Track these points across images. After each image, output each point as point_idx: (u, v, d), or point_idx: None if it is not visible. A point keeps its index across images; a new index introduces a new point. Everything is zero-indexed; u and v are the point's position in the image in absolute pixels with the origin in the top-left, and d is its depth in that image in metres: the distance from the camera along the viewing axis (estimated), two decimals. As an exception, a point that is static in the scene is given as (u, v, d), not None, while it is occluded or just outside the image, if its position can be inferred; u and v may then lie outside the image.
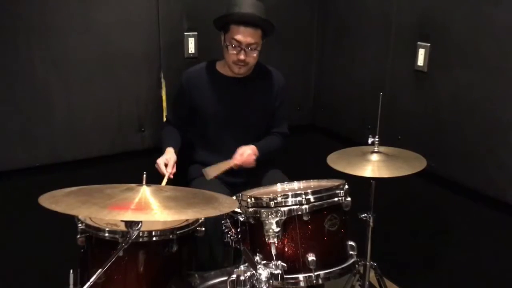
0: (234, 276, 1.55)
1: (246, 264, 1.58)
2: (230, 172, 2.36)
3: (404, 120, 2.53)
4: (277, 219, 1.73)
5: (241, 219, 1.86)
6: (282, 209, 1.73)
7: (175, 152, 2.31)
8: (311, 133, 3.19)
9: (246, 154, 2.28)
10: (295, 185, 2.05)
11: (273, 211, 1.73)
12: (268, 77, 2.45)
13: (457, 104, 2.26)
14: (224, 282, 1.69)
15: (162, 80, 2.57)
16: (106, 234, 1.66)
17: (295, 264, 1.75)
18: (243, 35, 2.20)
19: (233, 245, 1.91)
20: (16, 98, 2.24)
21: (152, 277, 1.68)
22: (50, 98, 2.31)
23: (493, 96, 2.10)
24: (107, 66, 2.41)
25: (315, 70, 3.09)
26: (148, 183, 1.51)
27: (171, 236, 1.67)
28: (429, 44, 2.34)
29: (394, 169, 1.97)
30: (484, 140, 2.16)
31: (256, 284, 1.55)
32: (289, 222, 1.75)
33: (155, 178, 1.99)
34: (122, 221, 1.40)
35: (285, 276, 1.66)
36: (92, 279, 1.36)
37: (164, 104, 2.60)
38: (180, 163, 2.28)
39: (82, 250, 1.74)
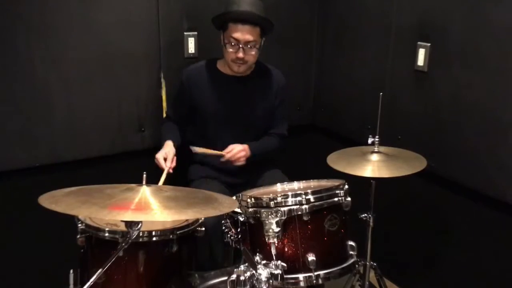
0: (234, 276, 1.55)
1: (246, 264, 1.59)
2: (230, 172, 2.37)
3: (404, 120, 2.53)
4: (277, 219, 1.73)
5: (241, 219, 1.86)
6: (282, 209, 1.73)
7: (174, 145, 2.31)
8: (311, 133, 3.19)
9: (236, 150, 2.28)
10: (295, 185, 2.06)
11: (273, 211, 1.73)
12: (268, 76, 2.45)
13: (457, 104, 2.26)
14: (224, 282, 1.69)
15: (162, 80, 2.57)
16: (106, 234, 1.66)
17: (295, 264, 1.75)
18: (241, 33, 2.20)
19: (233, 245, 1.91)
20: (16, 98, 2.24)
21: (152, 277, 1.68)
22: (50, 98, 2.31)
23: (493, 96, 2.10)
24: (107, 66, 2.41)
25: (315, 70, 3.09)
26: (148, 183, 1.51)
27: (171, 236, 1.67)
28: (429, 44, 2.34)
29: (394, 169, 1.97)
30: (484, 140, 2.16)
31: (256, 284, 1.55)
32: (289, 222, 1.75)
33: (155, 178, 1.98)
34: (122, 221, 1.40)
35: (285, 276, 1.66)
36: (92, 279, 1.36)
37: (164, 104, 2.60)
38: (180, 163, 2.28)
39: (82, 250, 1.73)
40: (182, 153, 2.35)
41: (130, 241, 1.42)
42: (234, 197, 1.88)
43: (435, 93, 2.35)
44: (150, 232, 1.65)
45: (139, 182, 1.51)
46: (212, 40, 2.42)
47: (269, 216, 1.74)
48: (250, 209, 1.78)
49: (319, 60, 3.06)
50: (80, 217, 1.69)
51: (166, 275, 1.70)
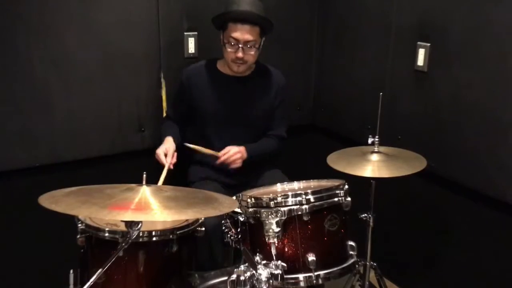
0: (234, 276, 1.55)
1: (246, 264, 1.58)
2: (230, 173, 2.36)
3: (404, 120, 2.53)
4: (277, 219, 1.73)
5: (241, 219, 1.86)
6: (282, 209, 1.73)
7: (175, 141, 2.32)
8: (311, 133, 3.19)
9: (231, 152, 2.27)
10: (295, 185, 2.05)
11: (273, 211, 1.73)
12: (268, 76, 2.45)
13: (457, 104, 2.26)
14: (224, 282, 1.69)
15: (162, 80, 2.57)
16: (106, 234, 1.66)
17: (295, 264, 1.75)
18: (241, 32, 2.21)
19: (233, 245, 1.91)
20: (16, 98, 2.24)
21: (152, 277, 1.68)
22: (50, 98, 2.31)
23: (493, 96, 2.10)
24: (107, 66, 2.41)
25: (315, 70, 3.09)
26: (148, 183, 1.51)
27: (171, 236, 1.67)
28: (429, 44, 2.34)
29: (394, 169, 1.97)
30: (484, 140, 2.16)
31: (256, 284, 1.55)
32: (289, 222, 1.75)
33: (155, 178, 1.98)
34: (122, 221, 1.40)
35: (285, 276, 1.66)
36: (92, 279, 1.36)
37: (164, 104, 2.60)
38: (179, 164, 2.28)
39: (82, 250, 1.73)
40: (181, 154, 2.35)
41: (130, 241, 1.41)
42: (234, 197, 1.88)
43: (435, 93, 2.35)
44: (150, 232, 1.65)
45: (139, 182, 1.50)
46: (212, 40, 2.42)
47: (269, 216, 1.74)
48: (250, 209, 1.78)
49: (319, 60, 3.06)
50: (80, 217, 1.69)
51: (166, 275, 1.70)
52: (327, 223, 1.78)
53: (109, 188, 1.48)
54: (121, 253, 1.50)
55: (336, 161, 2.05)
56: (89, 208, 1.33)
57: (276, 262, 1.65)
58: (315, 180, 2.04)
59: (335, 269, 1.78)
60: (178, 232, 1.69)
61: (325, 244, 1.79)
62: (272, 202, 1.74)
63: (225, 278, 1.70)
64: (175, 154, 2.25)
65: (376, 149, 2.08)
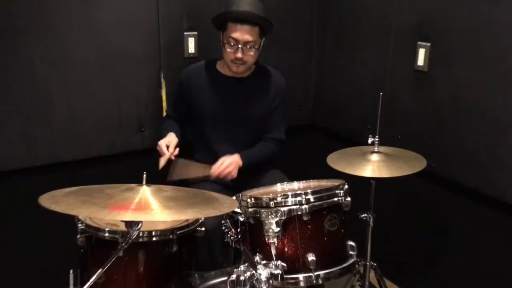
0: (234, 276, 1.55)
1: (246, 264, 1.58)
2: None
3: (404, 120, 2.53)
4: (277, 219, 1.73)
5: (241, 219, 1.86)
6: (282, 209, 1.73)
7: (177, 137, 2.33)
8: (311, 133, 3.19)
9: (223, 166, 2.25)
10: (295, 185, 2.05)
11: (273, 211, 1.73)
12: (267, 78, 2.45)
13: (457, 104, 2.26)
14: (224, 282, 1.69)
15: (162, 80, 2.57)
16: (106, 234, 1.66)
17: (295, 264, 1.74)
18: (240, 33, 2.20)
19: (233, 245, 1.90)
20: (16, 98, 2.24)
21: (152, 277, 1.68)
22: (50, 98, 2.31)
23: (493, 96, 2.10)
24: (107, 66, 2.42)
25: (315, 70, 3.09)
26: (148, 183, 1.51)
27: (171, 236, 1.67)
28: (429, 44, 2.34)
29: (394, 169, 1.97)
30: (484, 140, 2.16)
31: (256, 284, 1.55)
32: (289, 222, 1.75)
33: (155, 178, 1.98)
34: (122, 221, 1.40)
35: (285, 276, 1.66)
36: (92, 279, 1.36)
37: (164, 104, 2.60)
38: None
39: (82, 250, 1.73)
40: (182, 153, 2.35)
41: (130, 241, 1.42)
42: (234, 197, 1.88)
43: (435, 93, 2.35)
44: (150, 232, 1.65)
45: (139, 182, 1.51)
46: (212, 40, 2.42)
47: (269, 216, 1.74)
48: (250, 209, 1.78)
49: (319, 60, 3.06)
50: (80, 217, 1.70)
51: (166, 275, 1.70)
52: (327, 223, 1.78)
53: (109, 188, 1.48)
54: (121, 253, 1.50)
55: (336, 161, 2.05)
56: (89, 208, 1.33)
57: (276, 262, 1.65)
58: (315, 180, 2.04)
59: (335, 269, 1.77)
60: (178, 232, 1.69)
61: (325, 244, 1.78)
62: (272, 202, 1.74)
63: (225, 278, 1.70)
64: (177, 150, 2.26)
65: (376, 149, 2.08)
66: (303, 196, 1.74)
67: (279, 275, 1.60)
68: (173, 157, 2.21)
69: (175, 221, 1.72)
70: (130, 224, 1.39)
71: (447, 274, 2.47)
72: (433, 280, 2.54)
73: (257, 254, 1.73)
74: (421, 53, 2.37)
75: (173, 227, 1.69)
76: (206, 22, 2.33)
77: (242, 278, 1.54)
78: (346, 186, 1.86)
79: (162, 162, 2.16)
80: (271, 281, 1.57)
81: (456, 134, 2.28)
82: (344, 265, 1.81)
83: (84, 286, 1.36)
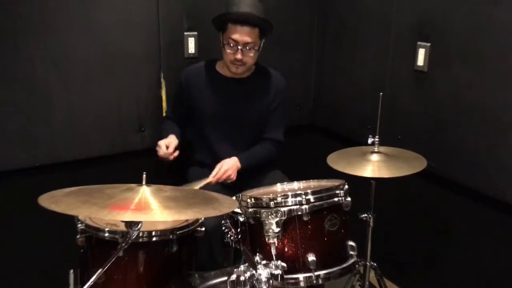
0: (234, 276, 1.55)
1: (246, 264, 1.58)
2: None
3: (404, 120, 2.53)
4: (277, 219, 1.73)
5: (241, 219, 1.85)
6: (282, 209, 1.73)
7: (178, 138, 2.33)
8: (311, 133, 3.19)
9: (222, 170, 2.25)
10: (295, 185, 2.05)
11: (273, 211, 1.73)
12: (267, 78, 2.44)
13: (457, 104, 2.26)
14: (224, 282, 1.69)
15: (162, 80, 2.57)
16: (106, 234, 1.66)
17: (295, 264, 1.74)
18: (240, 34, 2.20)
19: (233, 245, 1.90)
20: (16, 98, 2.24)
21: (152, 277, 1.68)
22: (50, 98, 2.31)
23: (493, 96, 2.10)
24: (107, 66, 2.41)
25: (315, 70, 3.09)
26: (148, 183, 1.51)
27: (171, 236, 1.67)
28: (429, 44, 2.34)
29: (394, 169, 1.97)
30: (484, 140, 2.16)
31: (256, 284, 1.55)
32: (289, 222, 1.75)
33: (155, 178, 1.98)
34: (122, 221, 1.40)
35: (285, 276, 1.66)
36: (92, 279, 1.36)
37: (164, 104, 2.60)
38: (179, 164, 2.28)
39: (82, 250, 1.73)
40: (181, 154, 2.35)
41: (130, 241, 1.41)
42: (234, 197, 1.88)
43: (435, 93, 2.35)
44: (150, 232, 1.65)
45: (139, 182, 1.50)
46: (212, 41, 2.42)
47: (269, 216, 1.74)
48: (250, 209, 1.78)
49: (319, 61, 3.06)
50: (80, 217, 1.69)
51: (166, 275, 1.70)
52: (327, 223, 1.78)
53: (109, 188, 1.48)
54: (121, 253, 1.50)
55: (336, 161, 2.05)
56: (89, 208, 1.33)
57: (276, 262, 1.65)
58: (315, 180, 2.04)
59: (335, 269, 1.77)
60: (178, 232, 1.69)
61: (325, 244, 1.78)
62: (272, 202, 1.74)
63: (225, 278, 1.70)
64: (177, 151, 2.26)
65: (376, 149, 2.08)
66: (303, 196, 1.74)
67: (279, 275, 1.60)
68: (171, 158, 2.22)
69: (175, 221, 1.72)
70: (130, 224, 1.38)
71: (447, 274, 2.47)
72: (433, 280, 2.54)
73: (257, 254, 1.73)
74: (421, 53, 2.37)
75: (173, 227, 1.69)
76: (206, 22, 2.33)
77: (242, 278, 1.54)
78: (346, 186, 1.86)
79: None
80: (271, 281, 1.57)
81: (456, 134, 2.28)
82: (344, 265, 1.81)
83: (84, 286, 1.36)
